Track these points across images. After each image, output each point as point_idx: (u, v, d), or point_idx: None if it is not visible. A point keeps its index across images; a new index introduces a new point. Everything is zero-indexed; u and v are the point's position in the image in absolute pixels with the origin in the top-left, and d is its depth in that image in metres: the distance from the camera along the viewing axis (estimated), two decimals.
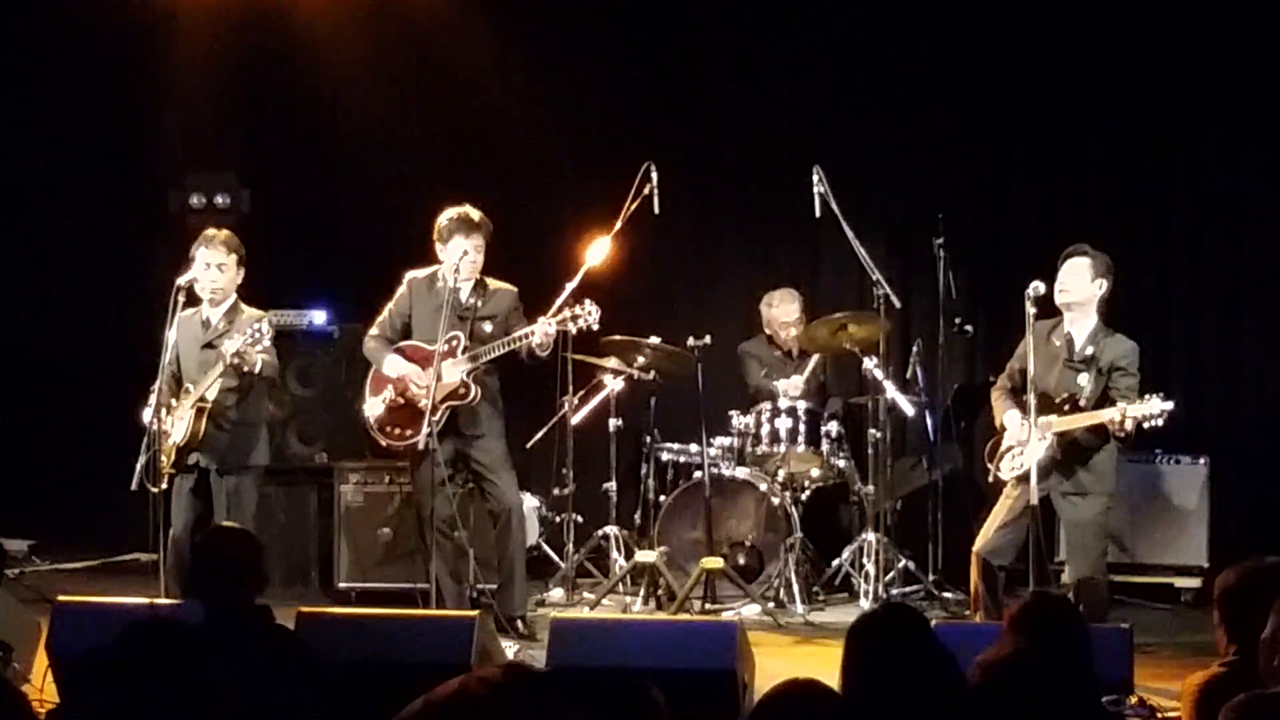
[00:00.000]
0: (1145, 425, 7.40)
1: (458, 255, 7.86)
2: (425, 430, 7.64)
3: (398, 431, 7.94)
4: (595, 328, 7.91)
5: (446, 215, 8.00)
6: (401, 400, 7.94)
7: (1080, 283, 7.51)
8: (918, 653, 3.72)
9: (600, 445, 9.08)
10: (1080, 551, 7.53)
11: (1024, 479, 7.43)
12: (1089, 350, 7.51)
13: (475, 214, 7.98)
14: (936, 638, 3.79)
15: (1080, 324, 7.56)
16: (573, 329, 7.84)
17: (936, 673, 3.70)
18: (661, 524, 8.69)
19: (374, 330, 8.15)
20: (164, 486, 7.58)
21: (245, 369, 7.58)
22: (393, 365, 7.98)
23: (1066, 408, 7.42)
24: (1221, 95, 9.96)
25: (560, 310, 7.87)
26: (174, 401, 7.69)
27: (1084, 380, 7.46)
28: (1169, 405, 7.27)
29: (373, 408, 8.04)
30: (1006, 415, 7.60)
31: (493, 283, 8.08)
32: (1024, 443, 7.41)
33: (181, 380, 7.73)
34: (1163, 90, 10.04)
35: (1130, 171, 10.11)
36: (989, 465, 7.65)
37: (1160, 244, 10.11)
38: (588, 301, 7.82)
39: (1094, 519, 7.54)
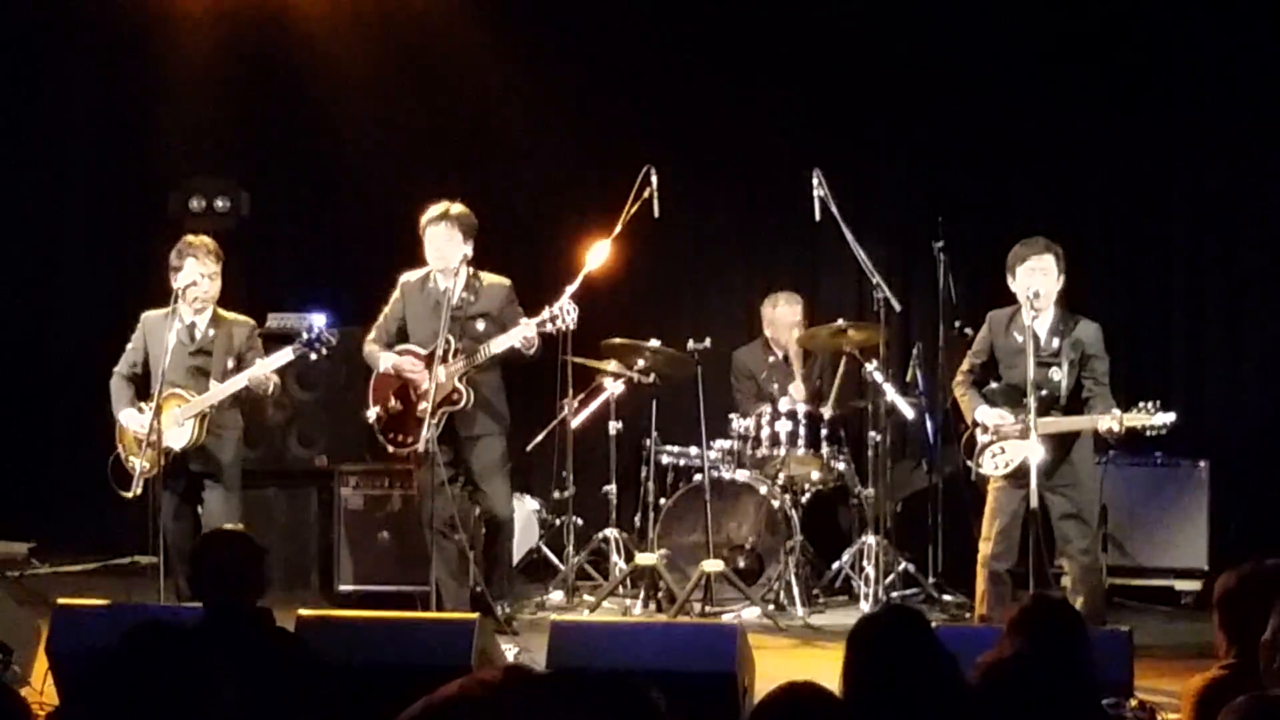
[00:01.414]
0: (1148, 435, 7.43)
1: (427, 250, 7.95)
2: (424, 434, 7.66)
3: (400, 437, 7.99)
4: (573, 327, 7.90)
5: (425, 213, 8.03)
6: (400, 406, 7.97)
7: (1050, 282, 7.55)
8: (919, 654, 3.72)
9: (600, 448, 9.08)
10: (1075, 539, 7.57)
11: (1011, 477, 7.46)
12: (1056, 343, 7.53)
13: (453, 208, 8.00)
14: (938, 639, 3.79)
15: (1042, 317, 7.57)
16: (551, 329, 7.85)
17: (938, 674, 3.71)
18: (661, 527, 8.68)
19: (371, 335, 8.19)
20: (139, 491, 7.62)
21: (262, 388, 7.74)
22: (387, 360, 8.01)
23: (1047, 406, 7.44)
24: (1222, 95, 9.97)
25: (539, 312, 7.88)
26: (142, 405, 7.72)
27: (1057, 375, 7.49)
28: (1170, 417, 7.31)
29: (374, 414, 8.07)
30: (979, 411, 7.63)
31: (486, 276, 8.11)
32: (1007, 438, 7.45)
33: (149, 381, 7.69)
34: (1163, 90, 10.04)
35: (1130, 172, 10.11)
36: (968, 462, 7.69)
37: (1160, 244, 10.12)
38: (568, 301, 7.82)
39: (1085, 504, 7.63)
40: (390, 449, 8.08)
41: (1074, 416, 7.47)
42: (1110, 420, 7.34)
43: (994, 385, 7.72)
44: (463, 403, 7.89)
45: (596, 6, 10.39)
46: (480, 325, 7.98)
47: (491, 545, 8.14)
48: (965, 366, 7.87)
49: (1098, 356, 7.57)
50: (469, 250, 7.99)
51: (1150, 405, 7.36)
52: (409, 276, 8.12)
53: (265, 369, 7.67)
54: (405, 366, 7.94)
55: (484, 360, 7.88)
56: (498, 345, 7.84)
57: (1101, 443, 7.80)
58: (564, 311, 7.78)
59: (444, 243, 7.96)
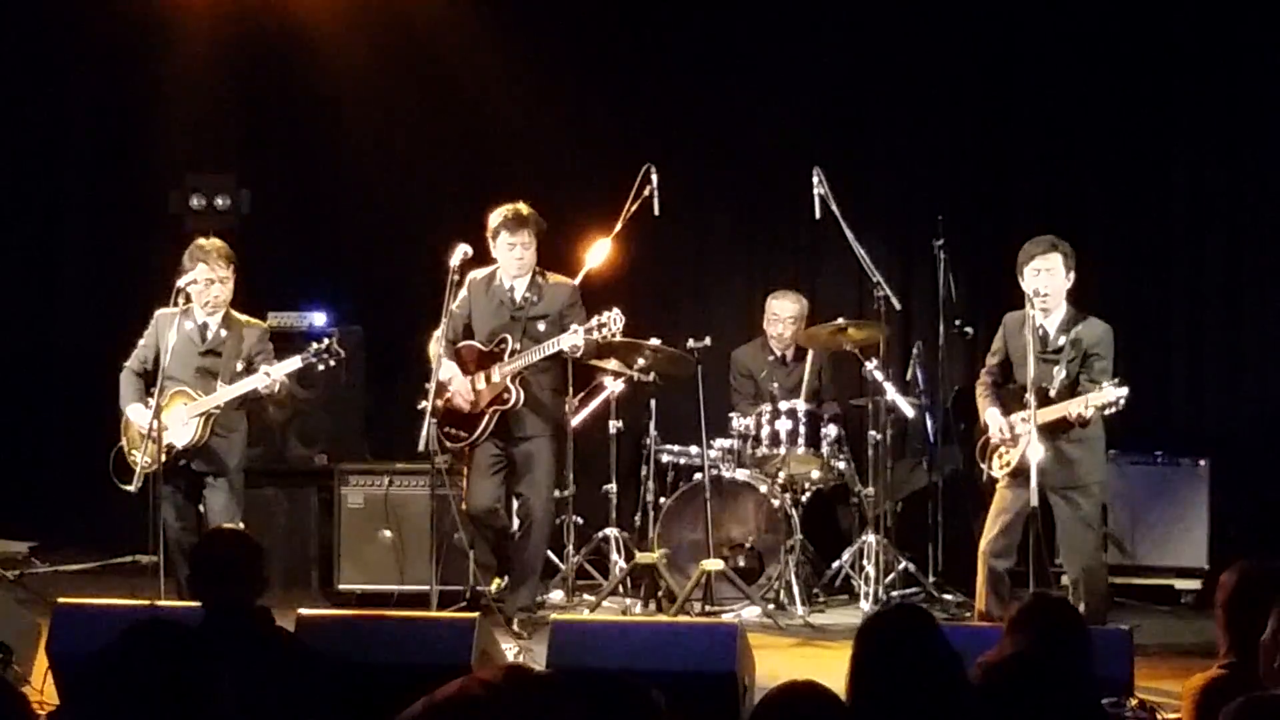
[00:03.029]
0: (1106, 412, 7.38)
1: (505, 253, 8.02)
2: (423, 433, 7.69)
3: (454, 432, 8.08)
4: (619, 336, 7.96)
5: (495, 214, 8.09)
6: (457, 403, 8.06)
7: (1058, 282, 7.54)
8: (928, 653, 3.72)
9: (600, 447, 9.08)
10: (1080, 544, 7.55)
11: (1015, 475, 7.46)
12: (1061, 340, 7.53)
13: (524, 209, 8.08)
14: (946, 638, 3.78)
15: (1053, 315, 7.57)
16: (598, 336, 7.88)
17: (946, 673, 3.70)
18: (662, 526, 8.69)
19: (437, 332, 8.16)
20: (139, 485, 7.63)
21: (271, 392, 7.73)
22: (447, 371, 8.06)
23: (1046, 403, 7.43)
24: (1221, 94, 9.97)
25: (587, 319, 7.93)
26: (149, 399, 7.72)
27: (1058, 371, 7.49)
28: (1123, 391, 7.28)
29: (429, 405, 8.10)
30: (988, 413, 7.64)
31: (552, 277, 8.20)
32: (1013, 440, 7.46)
33: (158, 379, 7.69)
34: (1163, 90, 10.04)
35: (1130, 171, 10.11)
36: (981, 464, 7.70)
37: (1160, 244, 10.12)
38: (615, 309, 7.86)
39: (1091, 510, 7.59)
40: (446, 443, 8.10)
41: (1051, 406, 7.46)
42: (1078, 405, 7.33)
43: (1009, 387, 7.72)
44: (512, 402, 7.97)
45: (597, 6, 10.38)
46: (541, 326, 8.05)
47: (522, 548, 8.17)
48: (985, 368, 7.89)
49: (1099, 355, 7.56)
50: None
51: (1108, 383, 7.34)
52: (476, 274, 8.16)
53: (275, 375, 7.66)
54: (453, 385, 7.98)
55: (533, 362, 7.94)
56: (544, 350, 7.92)
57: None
58: (611, 319, 7.83)
59: (524, 250, 8.07)
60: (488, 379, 8.00)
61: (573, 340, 7.85)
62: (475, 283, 8.15)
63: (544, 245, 9.23)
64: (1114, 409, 7.34)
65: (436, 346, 8.10)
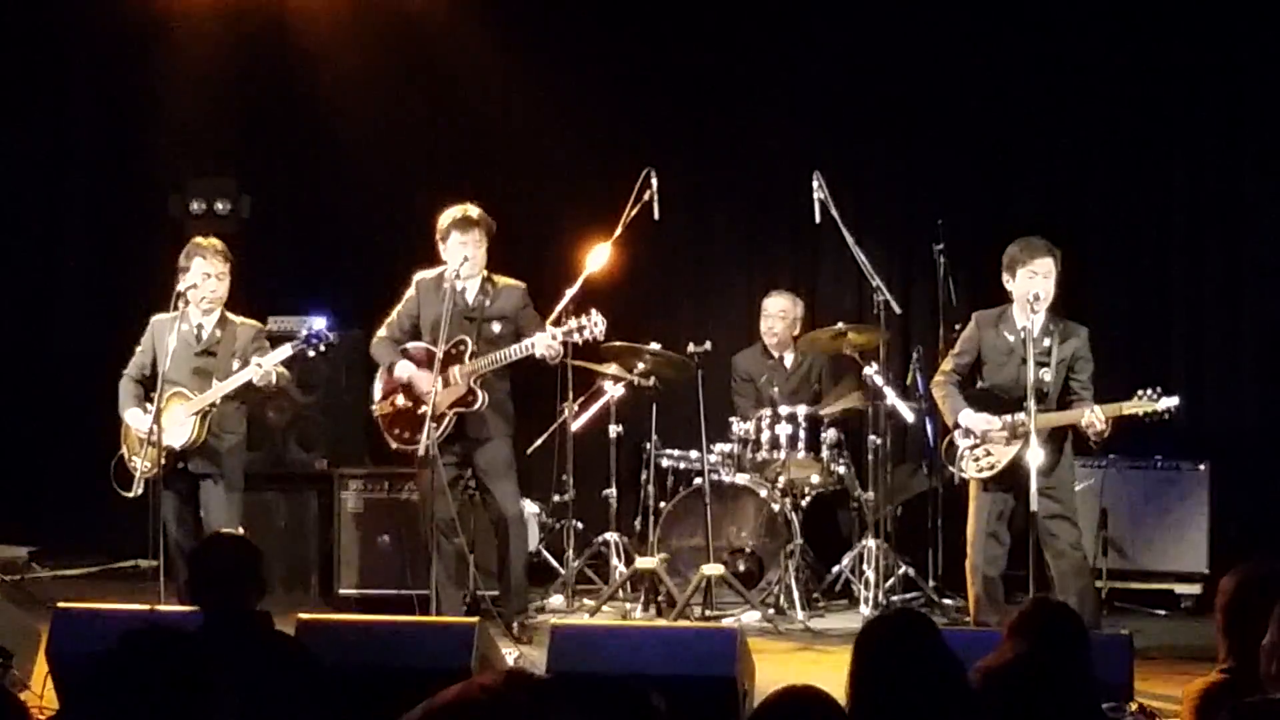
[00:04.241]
0: (1148, 421, 7.37)
1: (456, 254, 7.91)
2: (425, 437, 7.66)
3: (406, 435, 7.98)
4: (600, 339, 7.93)
5: (445, 215, 8.05)
6: (409, 403, 7.99)
7: (1051, 285, 7.55)
8: (928, 658, 3.72)
9: (600, 452, 9.08)
10: (1067, 534, 7.52)
11: (993, 480, 7.44)
12: (1046, 342, 7.53)
13: (474, 211, 8.03)
14: (945, 643, 3.78)
15: (1035, 317, 7.56)
16: (578, 340, 7.86)
17: (946, 678, 3.70)
18: (661, 530, 8.68)
19: (382, 331, 8.18)
20: (139, 491, 7.63)
21: (267, 384, 7.70)
22: (403, 369, 8.02)
23: (1035, 402, 7.42)
24: (1221, 95, 9.97)
25: (564, 321, 7.89)
26: (147, 404, 7.71)
27: (1047, 375, 7.49)
28: (1174, 401, 7.28)
29: (381, 409, 8.07)
30: (962, 415, 7.60)
31: (500, 280, 8.12)
32: (994, 441, 7.43)
33: (157, 383, 7.69)
34: (1163, 90, 10.03)
35: (1130, 172, 10.11)
36: (949, 466, 7.68)
37: (1160, 245, 10.12)
38: (594, 312, 7.84)
39: (1071, 505, 7.59)
40: (394, 445, 8.08)
41: (1063, 412, 7.45)
42: (1090, 414, 7.31)
43: (978, 388, 7.71)
44: (477, 405, 7.92)
45: (597, 8, 10.39)
46: (496, 327, 8.00)
47: (504, 550, 8.10)
48: (948, 367, 7.84)
49: (1086, 359, 7.58)
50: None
51: (1152, 391, 7.33)
52: (424, 275, 8.12)
53: (265, 366, 7.65)
54: (416, 383, 7.93)
55: (504, 362, 7.90)
56: (517, 351, 7.87)
57: (1084, 446, 7.76)
58: (592, 323, 7.79)
59: (475, 249, 7.99)
60: (446, 381, 7.88)
61: (548, 341, 7.82)
62: (424, 283, 8.10)
63: (545, 249, 9.28)
64: (1162, 418, 7.35)
65: (380, 347, 8.11)
